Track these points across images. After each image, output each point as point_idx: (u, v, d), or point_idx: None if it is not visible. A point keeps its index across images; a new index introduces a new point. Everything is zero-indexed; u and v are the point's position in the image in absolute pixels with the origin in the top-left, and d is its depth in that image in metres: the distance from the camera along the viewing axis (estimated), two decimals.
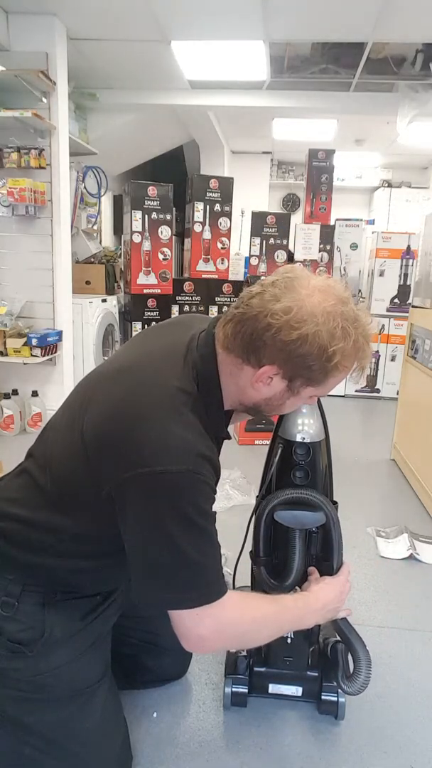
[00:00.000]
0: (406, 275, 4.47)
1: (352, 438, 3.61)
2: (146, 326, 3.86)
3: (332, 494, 1.22)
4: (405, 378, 3.09)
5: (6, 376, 3.48)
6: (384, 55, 3.59)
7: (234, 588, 1.54)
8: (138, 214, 3.94)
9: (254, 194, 6.39)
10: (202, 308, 4.05)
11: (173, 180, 4.19)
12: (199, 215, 4.22)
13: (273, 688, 1.31)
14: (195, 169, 5.89)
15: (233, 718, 1.30)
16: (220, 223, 4.35)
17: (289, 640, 1.27)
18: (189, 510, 0.84)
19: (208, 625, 0.91)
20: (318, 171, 4.63)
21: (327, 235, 4.53)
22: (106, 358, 3.85)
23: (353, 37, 3.32)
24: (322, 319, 0.83)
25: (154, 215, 3.98)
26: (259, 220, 4.44)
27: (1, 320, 3.18)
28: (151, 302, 3.94)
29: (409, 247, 4.41)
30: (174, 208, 4.14)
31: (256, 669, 1.30)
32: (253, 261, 4.52)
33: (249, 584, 1.32)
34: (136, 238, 3.91)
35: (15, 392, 3.40)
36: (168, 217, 4.04)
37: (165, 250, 4.01)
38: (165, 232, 4.01)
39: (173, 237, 4.10)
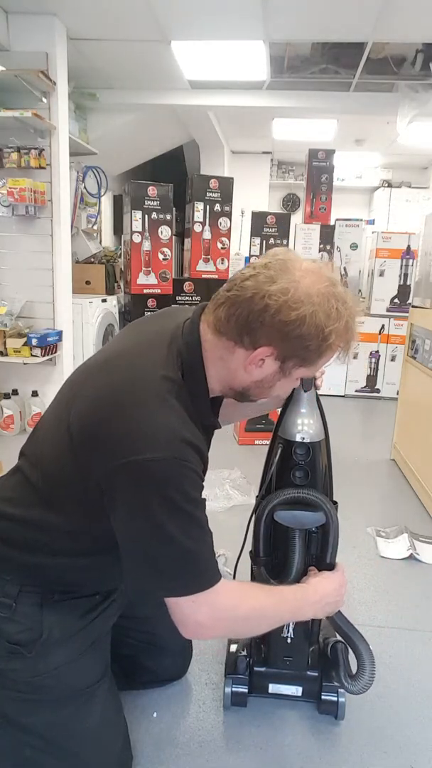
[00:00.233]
0: (406, 275, 4.47)
1: (352, 438, 3.61)
2: None
3: (332, 494, 1.22)
4: (405, 378, 3.09)
5: (6, 376, 3.48)
6: (384, 55, 3.59)
7: None
8: (138, 214, 3.94)
9: (254, 194, 6.39)
10: None
11: (173, 180, 4.19)
12: (199, 215, 4.22)
13: (273, 688, 1.31)
14: (195, 169, 5.89)
15: (233, 718, 1.30)
16: (220, 223, 4.35)
17: (289, 640, 1.27)
18: (177, 497, 0.84)
19: (205, 611, 0.91)
20: (318, 171, 4.63)
21: (327, 235, 4.53)
22: None
23: (353, 37, 3.32)
24: (318, 299, 0.85)
25: (154, 215, 3.98)
26: (259, 220, 4.44)
27: (1, 320, 3.18)
28: (151, 302, 3.94)
29: (409, 247, 4.41)
30: (174, 208, 4.14)
31: (256, 669, 1.30)
32: (254, 261, 4.52)
33: None
34: (136, 238, 3.91)
35: (15, 392, 3.40)
36: (168, 217, 4.04)
37: (165, 250, 4.02)
38: (165, 232, 4.01)
39: (173, 237, 4.10)
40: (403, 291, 4.48)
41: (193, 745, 1.23)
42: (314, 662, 1.30)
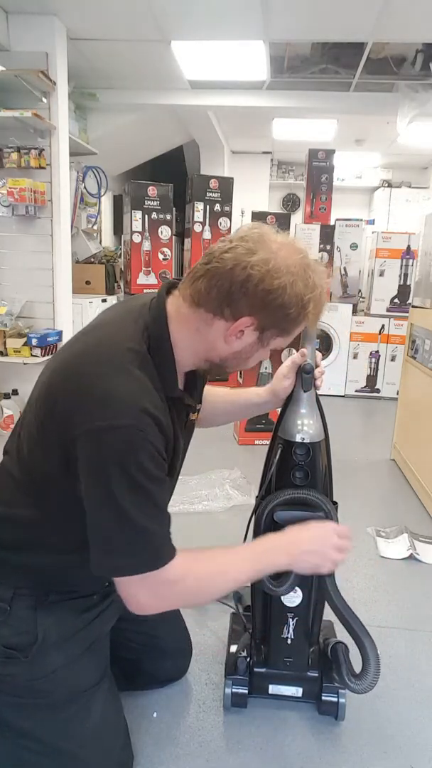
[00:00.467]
0: (406, 275, 4.47)
1: (352, 438, 3.61)
2: None
3: (332, 494, 1.22)
4: (405, 378, 3.09)
5: (6, 376, 3.48)
6: (384, 55, 3.59)
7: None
8: (138, 214, 3.95)
9: (254, 194, 6.39)
10: None
11: (173, 180, 4.20)
12: (199, 215, 4.22)
13: (273, 689, 1.31)
14: (195, 169, 5.89)
15: (233, 719, 1.30)
16: (220, 223, 4.36)
17: (289, 641, 1.27)
18: (132, 469, 0.83)
19: (146, 593, 0.91)
20: (318, 171, 4.63)
21: (327, 235, 4.53)
22: None
23: (353, 37, 3.32)
24: (296, 269, 0.88)
25: (154, 215, 3.99)
26: (259, 220, 4.44)
27: (1, 320, 3.18)
28: None
29: (409, 247, 4.41)
30: (174, 208, 4.15)
31: (256, 670, 1.30)
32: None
33: (249, 584, 1.31)
34: (136, 238, 3.92)
35: (15, 392, 3.40)
36: (168, 217, 4.04)
37: (165, 250, 4.02)
38: (165, 232, 4.02)
39: (173, 237, 4.11)
40: (403, 291, 4.48)
41: (193, 745, 1.23)
42: (314, 663, 1.30)
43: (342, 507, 1.17)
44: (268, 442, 1.22)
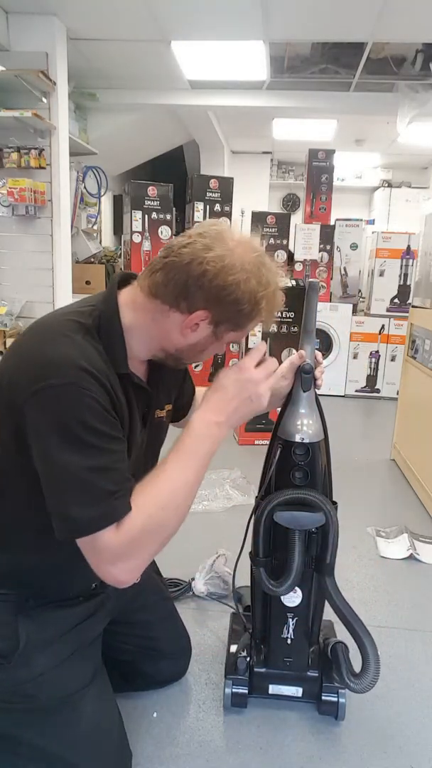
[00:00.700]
0: (406, 275, 4.47)
1: (352, 438, 3.61)
2: None
3: (332, 494, 1.22)
4: (405, 378, 3.09)
5: None
6: (384, 55, 3.59)
7: (234, 589, 1.55)
8: (138, 214, 3.94)
9: (254, 194, 6.39)
10: None
11: (173, 180, 4.19)
12: (199, 215, 4.22)
13: (273, 689, 1.31)
14: (195, 169, 5.89)
15: (233, 719, 1.30)
16: None
17: (289, 641, 1.27)
18: (77, 428, 0.82)
19: (113, 555, 0.87)
20: (318, 171, 4.63)
21: (327, 235, 4.53)
22: None
23: (353, 37, 3.32)
24: (250, 267, 0.90)
25: (154, 215, 3.99)
26: (259, 220, 4.45)
27: (1, 320, 3.18)
28: None
29: (409, 247, 4.41)
30: (174, 208, 4.14)
31: (256, 670, 1.30)
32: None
33: (249, 584, 1.31)
34: (136, 238, 3.91)
35: None
36: (168, 217, 4.04)
37: None
38: (165, 232, 4.01)
39: (173, 237, 4.10)
40: (403, 291, 4.48)
41: (193, 745, 1.23)
42: (314, 663, 1.30)
43: (342, 507, 1.17)
44: (267, 442, 1.22)
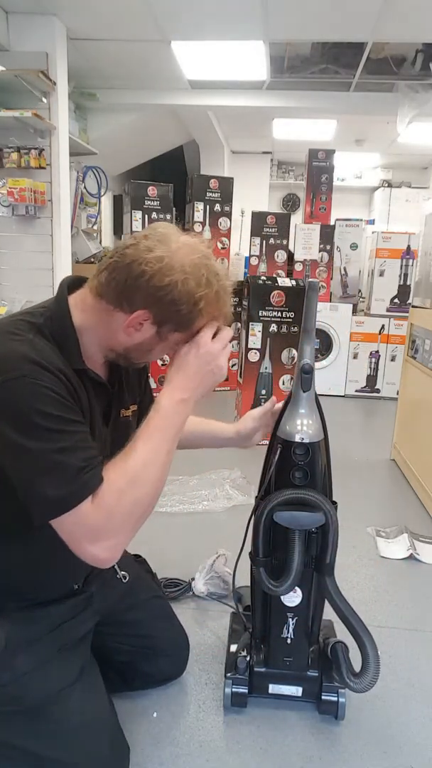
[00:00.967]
0: (406, 275, 4.47)
1: (352, 438, 3.61)
2: None
3: (331, 494, 1.22)
4: (405, 378, 3.09)
5: None
6: (384, 55, 3.59)
7: (234, 589, 1.55)
8: (138, 214, 3.95)
9: (254, 194, 6.39)
10: None
11: (173, 180, 4.20)
12: (199, 215, 4.22)
13: (273, 689, 1.31)
14: (195, 169, 5.89)
15: (233, 718, 1.30)
16: (220, 223, 4.36)
17: (289, 641, 1.27)
18: (35, 418, 0.84)
19: (89, 531, 0.87)
20: (318, 171, 4.63)
21: (327, 235, 4.53)
22: None
23: (353, 37, 3.32)
24: (190, 269, 0.92)
25: (154, 215, 3.99)
26: (259, 220, 4.45)
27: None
28: None
29: (409, 247, 4.41)
30: (174, 208, 4.15)
31: (256, 669, 1.30)
32: (253, 261, 4.53)
33: (249, 584, 1.32)
34: None
35: None
36: (168, 217, 4.04)
37: None
38: None
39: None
40: (403, 291, 4.48)
41: (193, 745, 1.22)
42: (314, 662, 1.30)
43: (342, 507, 1.17)
44: (267, 442, 1.23)
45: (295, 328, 3.21)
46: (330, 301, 4.58)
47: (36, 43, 3.15)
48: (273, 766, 1.19)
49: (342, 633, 1.25)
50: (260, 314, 3.17)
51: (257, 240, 4.47)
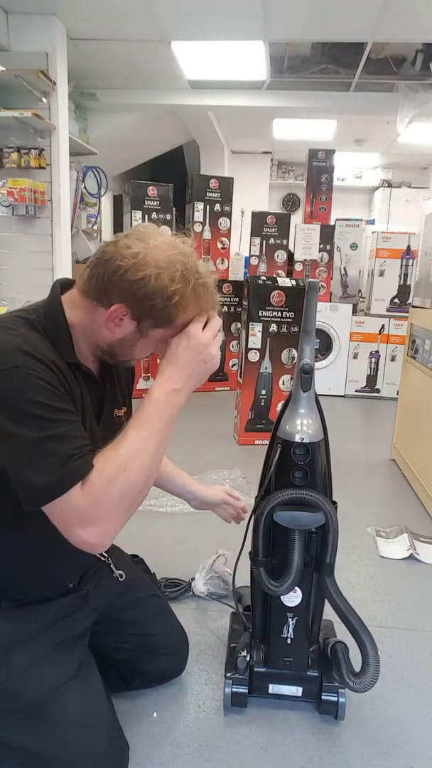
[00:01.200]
0: (406, 275, 4.47)
1: (352, 438, 3.61)
2: None
3: (331, 494, 1.22)
4: (405, 378, 3.09)
5: None
6: (384, 55, 3.59)
7: (234, 589, 1.55)
8: (138, 214, 3.95)
9: (254, 194, 6.39)
10: None
11: (173, 180, 4.20)
12: (199, 215, 4.22)
13: (273, 689, 1.31)
14: (195, 169, 5.89)
15: (233, 718, 1.30)
16: (220, 223, 4.36)
17: (289, 641, 1.27)
18: (27, 407, 0.86)
19: (79, 516, 0.88)
20: (318, 171, 4.63)
21: (327, 235, 4.53)
22: None
23: (353, 37, 3.32)
24: (164, 264, 0.94)
25: (154, 215, 3.99)
26: (259, 220, 4.45)
27: None
28: None
29: (409, 247, 4.41)
30: (174, 208, 4.15)
31: (256, 669, 1.30)
32: (253, 261, 4.53)
33: (249, 584, 1.32)
34: None
35: None
36: (168, 217, 4.04)
37: None
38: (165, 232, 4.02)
39: None
40: (403, 291, 4.48)
41: (193, 745, 1.22)
42: (314, 662, 1.30)
43: (342, 507, 1.17)
44: (267, 442, 1.23)
45: (295, 328, 3.21)
46: (330, 301, 4.58)
47: (36, 43, 3.15)
48: (273, 766, 1.19)
49: (342, 633, 1.26)
50: (260, 314, 3.17)
51: (257, 240, 4.47)
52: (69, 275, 3.53)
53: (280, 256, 4.53)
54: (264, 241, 4.47)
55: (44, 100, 3.19)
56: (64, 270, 3.44)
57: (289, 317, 3.20)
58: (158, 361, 1.07)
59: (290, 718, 1.30)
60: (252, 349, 3.23)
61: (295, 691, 1.31)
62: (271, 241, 4.47)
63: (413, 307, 3.16)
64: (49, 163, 3.25)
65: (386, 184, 7.04)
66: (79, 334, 1.01)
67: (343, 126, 5.09)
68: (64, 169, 3.38)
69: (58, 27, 3.18)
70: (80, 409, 0.99)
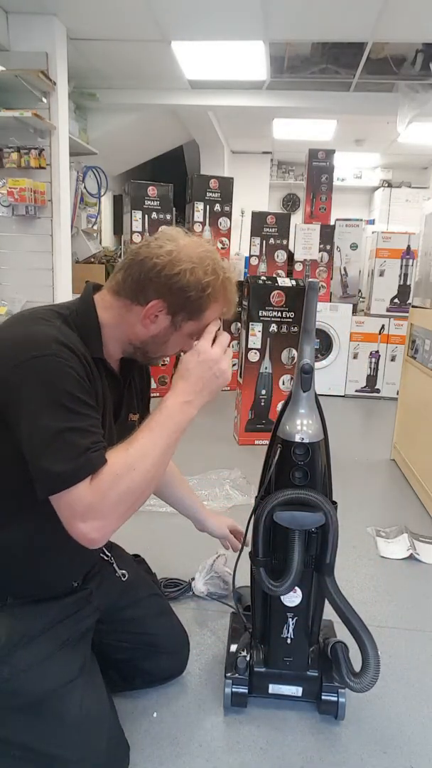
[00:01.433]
0: (406, 275, 4.47)
1: (352, 438, 3.61)
2: None
3: (331, 494, 1.22)
4: (405, 378, 3.09)
5: None
6: (384, 55, 3.59)
7: (234, 589, 1.55)
8: (138, 214, 3.95)
9: (254, 194, 6.39)
10: None
11: (173, 180, 4.20)
12: (199, 215, 4.22)
13: (273, 689, 1.31)
14: (195, 169, 5.89)
15: (233, 718, 1.30)
16: (220, 223, 4.36)
17: (289, 641, 1.27)
18: (57, 394, 0.89)
19: (79, 511, 0.89)
20: (318, 171, 4.63)
21: (327, 235, 4.53)
22: None
23: (353, 37, 3.32)
24: (197, 260, 1.01)
25: (154, 215, 3.99)
26: (259, 220, 4.45)
27: (1, 320, 3.19)
28: None
29: (409, 247, 4.41)
30: (174, 208, 4.15)
31: (256, 669, 1.30)
32: (253, 261, 4.53)
33: (249, 584, 1.32)
34: (136, 238, 3.91)
35: None
36: (168, 217, 4.04)
37: None
38: None
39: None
40: (403, 291, 4.48)
41: (193, 745, 1.22)
42: (314, 662, 1.30)
43: (342, 507, 1.17)
44: (267, 442, 1.22)
45: (295, 328, 3.21)
46: (330, 301, 4.58)
47: (36, 43, 3.15)
48: (273, 766, 1.19)
49: (342, 633, 1.26)
50: (260, 314, 3.17)
51: (257, 240, 4.47)
52: (69, 275, 3.53)
53: (280, 256, 4.53)
54: (264, 241, 4.47)
55: (44, 100, 3.19)
56: (64, 270, 3.44)
57: (289, 317, 3.20)
58: (172, 372, 1.11)
59: (290, 718, 1.30)
60: (252, 349, 3.23)
61: (295, 691, 1.31)
62: (271, 241, 4.47)
63: (413, 307, 3.16)
64: (49, 163, 3.25)
65: (386, 184, 7.04)
66: (109, 333, 1.05)
67: (343, 126, 5.10)
68: (64, 169, 3.38)
69: (58, 27, 3.18)
70: (101, 404, 1.03)
